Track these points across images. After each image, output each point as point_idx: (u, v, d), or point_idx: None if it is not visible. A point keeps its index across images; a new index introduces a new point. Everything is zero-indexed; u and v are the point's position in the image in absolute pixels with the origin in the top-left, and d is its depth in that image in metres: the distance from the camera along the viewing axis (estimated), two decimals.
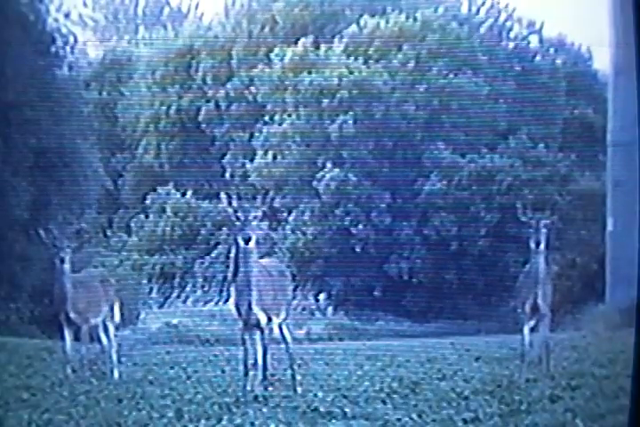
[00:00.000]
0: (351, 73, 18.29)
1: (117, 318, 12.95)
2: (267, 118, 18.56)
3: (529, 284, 12.60)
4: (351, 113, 18.03)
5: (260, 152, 18.43)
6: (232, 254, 11.61)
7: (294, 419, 10.59)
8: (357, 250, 17.78)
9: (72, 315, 12.26)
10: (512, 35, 19.54)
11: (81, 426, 10.54)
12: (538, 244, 12.39)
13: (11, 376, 12.32)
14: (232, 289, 11.57)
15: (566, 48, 19.37)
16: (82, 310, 12.37)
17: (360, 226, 17.84)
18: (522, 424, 10.40)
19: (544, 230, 12.38)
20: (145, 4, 21.94)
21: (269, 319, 11.50)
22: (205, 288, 17.73)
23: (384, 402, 11.16)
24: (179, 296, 17.75)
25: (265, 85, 18.71)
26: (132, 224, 18.51)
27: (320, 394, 11.44)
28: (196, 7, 21.59)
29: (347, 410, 10.75)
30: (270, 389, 11.53)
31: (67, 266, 12.21)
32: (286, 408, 10.92)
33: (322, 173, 17.94)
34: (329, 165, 17.96)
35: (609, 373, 11.78)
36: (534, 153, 18.17)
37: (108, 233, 18.29)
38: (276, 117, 18.45)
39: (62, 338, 12.29)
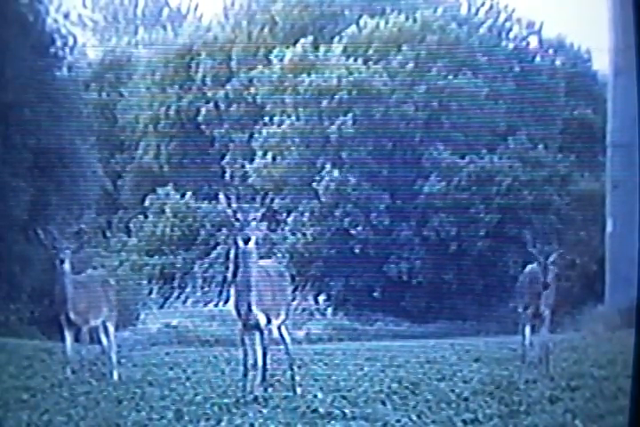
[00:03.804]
0: (350, 73, 18.29)
1: (116, 319, 12.97)
2: (266, 119, 18.56)
3: (532, 291, 12.64)
4: (350, 114, 18.02)
5: (259, 153, 18.42)
6: (232, 255, 11.62)
7: (294, 420, 10.60)
8: (357, 251, 17.78)
9: (72, 316, 12.26)
10: (511, 35, 19.53)
11: None
12: (546, 286, 12.45)
13: (10, 377, 12.32)
14: (232, 290, 11.59)
15: (566, 49, 19.36)
16: (82, 311, 12.37)
17: (359, 227, 17.84)
18: (521, 425, 10.41)
19: (552, 267, 12.43)
20: (144, 4, 21.94)
21: (269, 320, 11.51)
22: (205, 289, 17.73)
23: (383, 403, 11.17)
24: (178, 297, 17.75)
25: (264, 86, 18.71)
26: (132, 225, 18.51)
27: (320, 395, 11.44)
28: (196, 8, 21.61)
29: (346, 411, 10.76)
30: (270, 390, 11.53)
31: (67, 267, 12.22)
32: (286, 409, 10.92)
33: (321, 174, 17.94)
34: (328, 165, 17.96)
35: (608, 374, 11.79)
36: (534, 154, 18.17)
37: (108, 234, 18.29)
38: (276, 118, 18.45)
39: (62, 339, 12.29)
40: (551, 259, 12.48)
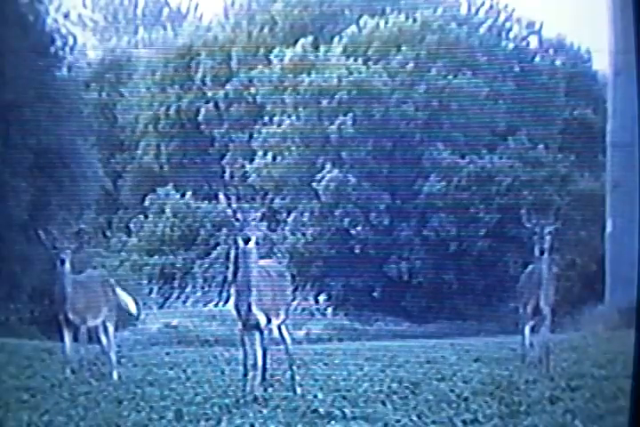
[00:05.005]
0: (350, 73, 18.30)
1: (116, 318, 12.97)
2: (266, 119, 18.56)
3: (531, 286, 12.65)
4: (350, 114, 18.03)
5: (259, 153, 18.43)
6: (232, 255, 11.62)
7: (294, 420, 10.60)
8: (357, 251, 17.78)
9: (71, 316, 12.26)
10: (511, 35, 19.54)
11: None
12: (542, 251, 12.44)
13: (10, 377, 12.32)
14: (232, 290, 11.59)
15: (566, 49, 19.36)
16: (81, 310, 12.36)
17: (359, 227, 17.85)
18: (521, 426, 10.41)
19: (548, 237, 12.42)
20: (144, 4, 21.94)
21: (269, 320, 11.50)
22: (205, 289, 17.74)
23: (383, 403, 11.16)
24: (178, 297, 17.75)
25: (264, 86, 18.71)
26: (132, 225, 18.51)
27: (319, 395, 11.44)
28: (196, 8, 21.61)
29: (346, 411, 10.76)
30: (270, 390, 11.53)
31: (66, 267, 12.21)
32: (286, 409, 10.93)
33: (321, 174, 17.95)
34: (328, 165, 17.97)
35: (608, 374, 11.79)
36: (534, 154, 18.18)
37: (108, 234, 18.30)
38: (276, 118, 18.46)
39: (62, 339, 12.29)
40: (547, 230, 12.48)
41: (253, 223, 11.28)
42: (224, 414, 10.81)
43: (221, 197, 11.89)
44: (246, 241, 11.22)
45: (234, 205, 11.41)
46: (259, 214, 11.44)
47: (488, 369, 12.62)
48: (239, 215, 11.26)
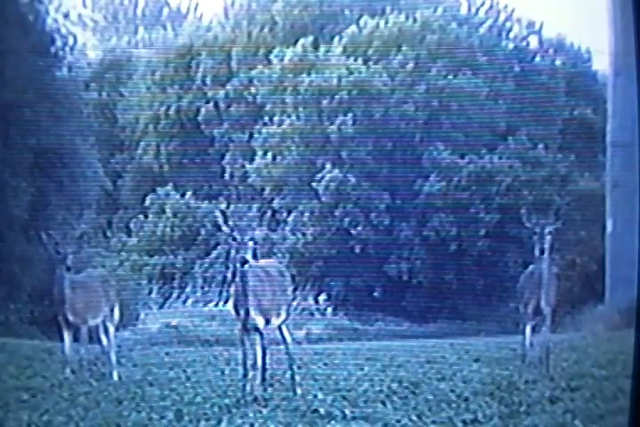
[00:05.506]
0: (351, 73, 18.29)
1: (117, 318, 12.97)
2: (266, 119, 18.56)
3: (532, 287, 12.66)
4: (350, 114, 18.02)
5: (259, 153, 18.43)
6: (229, 273, 11.60)
7: (294, 420, 10.62)
8: (357, 251, 17.77)
9: (70, 316, 12.26)
10: (511, 35, 19.53)
11: None
12: (542, 251, 12.44)
13: (10, 377, 12.33)
14: (231, 291, 11.57)
15: (566, 49, 19.35)
16: (80, 311, 12.37)
17: (359, 227, 17.84)
18: (521, 426, 10.42)
19: (548, 237, 12.43)
20: (144, 4, 21.93)
21: (268, 322, 11.50)
22: (205, 289, 17.73)
23: (384, 403, 11.18)
24: (178, 297, 17.74)
25: (264, 86, 18.71)
26: (132, 225, 18.50)
27: (320, 395, 11.45)
28: (196, 8, 21.60)
29: (346, 411, 10.77)
30: (270, 390, 11.54)
31: (66, 268, 12.21)
32: (286, 410, 10.94)
33: (321, 174, 17.94)
34: (328, 165, 17.97)
35: (608, 374, 11.79)
36: (533, 154, 18.17)
37: (108, 234, 18.29)
38: (276, 118, 18.45)
39: (62, 339, 12.30)
40: (547, 230, 12.49)
41: (250, 243, 11.22)
42: (224, 414, 10.82)
43: (218, 214, 11.73)
44: (243, 263, 11.17)
45: (230, 224, 11.35)
46: (257, 232, 11.43)
47: (488, 369, 12.62)
48: (236, 235, 11.22)
